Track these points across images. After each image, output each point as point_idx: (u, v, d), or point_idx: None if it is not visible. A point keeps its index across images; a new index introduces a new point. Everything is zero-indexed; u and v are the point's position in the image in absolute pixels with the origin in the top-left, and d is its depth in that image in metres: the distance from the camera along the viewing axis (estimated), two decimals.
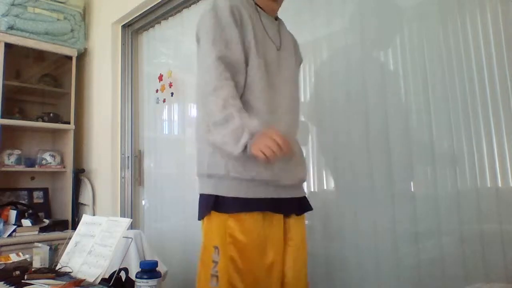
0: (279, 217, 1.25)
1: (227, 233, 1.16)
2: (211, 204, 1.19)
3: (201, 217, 1.23)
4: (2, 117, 2.72)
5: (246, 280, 1.14)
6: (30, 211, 2.73)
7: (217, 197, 1.19)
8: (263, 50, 1.26)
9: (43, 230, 2.70)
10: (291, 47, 1.41)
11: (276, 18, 1.40)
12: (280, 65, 1.32)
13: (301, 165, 1.36)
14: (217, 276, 1.16)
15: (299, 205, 1.33)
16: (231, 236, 1.15)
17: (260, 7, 1.33)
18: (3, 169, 2.79)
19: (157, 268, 1.22)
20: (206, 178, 1.22)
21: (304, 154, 1.46)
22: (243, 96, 1.20)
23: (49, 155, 3.03)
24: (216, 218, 1.18)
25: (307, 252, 1.34)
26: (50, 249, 1.61)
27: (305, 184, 1.43)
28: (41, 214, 2.89)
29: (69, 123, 3.05)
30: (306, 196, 1.38)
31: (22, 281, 1.33)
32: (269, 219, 1.21)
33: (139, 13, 2.78)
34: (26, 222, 2.63)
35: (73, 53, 3.11)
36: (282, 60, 1.33)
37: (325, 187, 1.79)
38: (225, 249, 1.15)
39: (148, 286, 1.16)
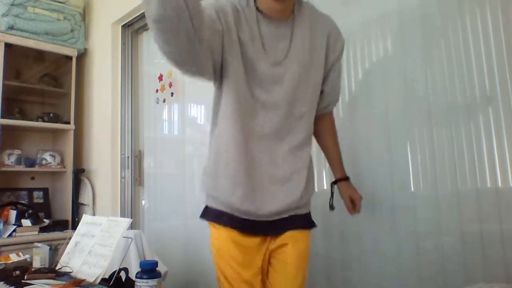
0: (256, 239, 1.19)
1: (211, 230, 1.25)
2: (202, 212, 1.28)
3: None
4: (2, 117, 2.73)
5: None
6: (30, 211, 2.73)
7: (206, 207, 1.27)
8: (251, 65, 1.15)
9: (43, 230, 2.70)
10: (305, 52, 1.20)
11: (293, 14, 1.20)
12: (274, 84, 1.16)
13: (294, 190, 1.19)
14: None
15: (288, 223, 1.21)
16: (211, 241, 1.24)
17: (261, 12, 1.17)
18: (3, 169, 2.79)
19: (157, 268, 1.21)
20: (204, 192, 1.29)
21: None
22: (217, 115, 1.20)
23: (49, 155, 3.03)
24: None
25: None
26: (50, 249, 1.60)
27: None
28: (41, 214, 2.89)
29: (69, 123, 3.05)
30: (306, 213, 1.27)
31: (22, 281, 1.32)
32: (246, 237, 1.18)
33: (139, 13, 2.78)
34: (26, 222, 2.63)
35: (73, 53, 3.11)
36: (282, 77, 1.17)
37: (324, 187, 1.79)
38: (210, 244, 1.25)
39: (148, 286, 1.16)
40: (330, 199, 1.46)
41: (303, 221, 1.25)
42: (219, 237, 1.21)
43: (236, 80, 1.13)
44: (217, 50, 1.09)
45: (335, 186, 1.45)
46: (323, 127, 1.40)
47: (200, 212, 1.27)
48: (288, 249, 1.21)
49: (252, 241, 1.19)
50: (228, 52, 1.12)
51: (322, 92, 1.31)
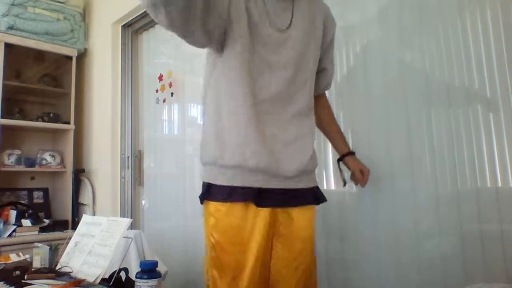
0: (265, 212, 1.16)
1: (210, 221, 1.18)
2: (203, 192, 1.22)
3: (201, 203, 1.25)
4: (2, 117, 2.73)
5: (224, 273, 1.15)
6: (30, 211, 2.73)
7: (209, 185, 1.20)
8: (255, 29, 1.17)
9: (43, 230, 2.70)
10: (305, 25, 1.25)
11: None
12: (280, 46, 1.20)
13: (301, 153, 1.21)
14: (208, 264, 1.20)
15: (299, 196, 1.22)
16: (212, 224, 1.17)
17: None
18: (3, 169, 2.79)
19: (157, 268, 1.21)
20: (203, 166, 1.24)
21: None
22: (216, 78, 1.19)
23: (49, 155, 3.03)
24: (208, 205, 1.20)
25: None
26: (50, 249, 1.60)
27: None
28: (41, 214, 2.89)
29: (69, 123, 3.05)
30: (314, 186, 1.27)
31: (22, 281, 1.32)
32: (255, 211, 1.15)
33: (139, 13, 2.78)
34: (26, 222, 2.63)
35: (73, 53, 3.11)
36: (286, 41, 1.21)
37: (325, 187, 1.79)
38: (208, 237, 1.19)
39: (148, 286, 1.16)
40: (340, 174, 1.51)
41: (311, 196, 1.26)
42: (224, 218, 1.16)
43: (242, 45, 1.14)
44: (222, 13, 1.10)
45: (342, 163, 1.50)
46: (322, 107, 1.47)
47: (198, 203, 1.23)
48: (294, 233, 1.21)
49: (260, 218, 1.15)
50: (235, 18, 1.13)
51: (324, 69, 1.39)
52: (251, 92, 1.15)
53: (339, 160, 1.51)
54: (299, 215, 1.23)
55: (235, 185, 1.15)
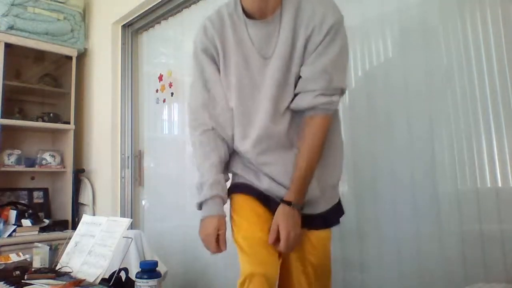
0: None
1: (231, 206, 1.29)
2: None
3: None
4: (2, 117, 2.72)
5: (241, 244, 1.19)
6: (30, 211, 2.73)
7: (232, 185, 1.32)
8: (242, 70, 1.20)
9: (43, 230, 2.70)
10: (286, 49, 1.15)
11: (281, 6, 1.17)
12: (265, 74, 1.18)
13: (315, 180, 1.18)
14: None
15: (311, 220, 1.20)
16: (231, 207, 1.28)
17: (248, 16, 1.19)
18: (3, 169, 2.79)
19: (157, 268, 1.22)
20: None
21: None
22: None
23: (49, 155, 3.03)
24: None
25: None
26: (50, 249, 1.61)
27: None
28: (41, 214, 2.89)
29: (69, 123, 3.05)
30: (326, 210, 1.24)
31: (22, 281, 1.33)
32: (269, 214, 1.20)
33: (139, 13, 2.78)
34: (26, 222, 2.63)
35: (73, 53, 3.11)
36: (268, 68, 1.18)
37: None
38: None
39: (148, 286, 1.16)
40: None
41: (320, 221, 1.23)
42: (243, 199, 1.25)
43: (228, 88, 1.24)
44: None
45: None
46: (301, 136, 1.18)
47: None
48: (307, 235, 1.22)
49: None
50: (225, 72, 1.24)
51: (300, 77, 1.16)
52: (243, 130, 1.22)
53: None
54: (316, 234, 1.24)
55: (250, 184, 1.27)
